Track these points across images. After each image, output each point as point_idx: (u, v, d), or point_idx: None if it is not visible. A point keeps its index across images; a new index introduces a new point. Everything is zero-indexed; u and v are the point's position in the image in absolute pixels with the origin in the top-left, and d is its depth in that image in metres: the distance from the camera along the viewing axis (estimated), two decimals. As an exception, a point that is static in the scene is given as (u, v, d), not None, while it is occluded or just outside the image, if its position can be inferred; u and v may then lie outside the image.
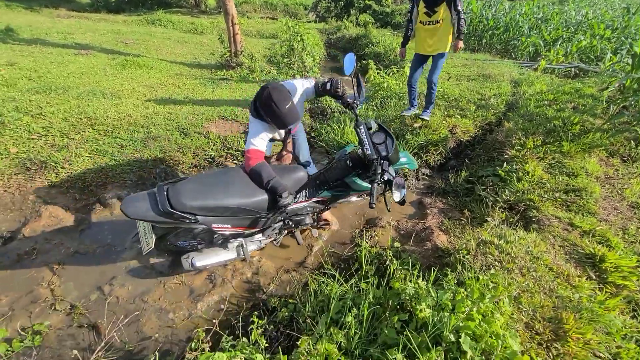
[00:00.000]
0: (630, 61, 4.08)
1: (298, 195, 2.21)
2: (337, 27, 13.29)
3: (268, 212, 2.04)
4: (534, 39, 8.55)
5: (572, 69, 7.24)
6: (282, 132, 2.32)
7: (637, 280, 1.85)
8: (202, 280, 2.21)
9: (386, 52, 8.85)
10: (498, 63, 7.80)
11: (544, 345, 1.45)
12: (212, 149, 3.59)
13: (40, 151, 3.06)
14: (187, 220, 1.77)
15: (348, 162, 2.16)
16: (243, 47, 6.77)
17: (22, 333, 1.78)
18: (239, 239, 2.16)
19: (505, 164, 3.11)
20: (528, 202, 2.58)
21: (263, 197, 1.96)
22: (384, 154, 1.97)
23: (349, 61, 2.09)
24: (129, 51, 7.19)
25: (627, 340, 1.53)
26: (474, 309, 1.38)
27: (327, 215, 2.77)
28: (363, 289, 1.90)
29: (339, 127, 4.13)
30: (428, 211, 2.90)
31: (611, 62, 6.29)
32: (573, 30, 8.77)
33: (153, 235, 1.91)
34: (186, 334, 1.87)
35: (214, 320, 1.76)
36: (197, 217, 1.79)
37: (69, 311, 1.94)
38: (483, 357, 1.25)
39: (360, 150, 2.03)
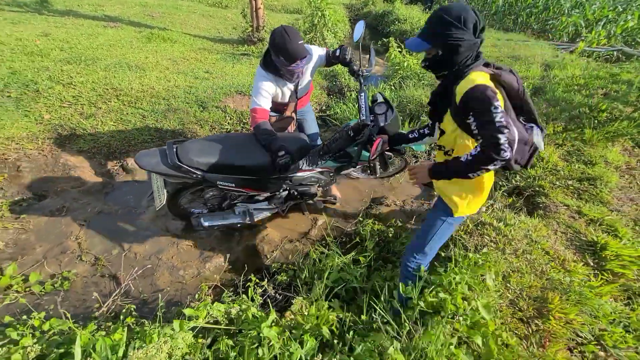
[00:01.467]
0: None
1: (301, 163, 2.25)
2: (364, 2, 12.84)
3: (270, 175, 2.12)
4: (575, 19, 7.98)
5: (614, 53, 6.75)
6: (285, 95, 2.31)
7: (638, 269, 1.83)
8: (211, 244, 2.38)
9: (412, 29, 8.53)
10: (532, 44, 7.37)
11: (525, 321, 1.50)
12: (228, 123, 3.71)
13: (71, 118, 3.29)
14: (194, 175, 1.91)
15: (350, 132, 2.19)
16: (265, 22, 6.74)
17: (54, 278, 2.02)
18: (245, 205, 2.29)
19: (519, 149, 3.03)
20: (537, 188, 2.54)
21: (264, 158, 2.04)
22: (381, 124, 1.99)
23: (359, 28, 2.14)
24: (155, 24, 7.33)
25: (615, 325, 1.55)
26: (458, 280, 1.45)
27: (335, 191, 2.85)
28: (360, 260, 2.00)
29: (354, 105, 4.14)
30: (435, 193, 2.91)
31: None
32: (621, 9, 8.08)
33: (165, 192, 2.05)
34: (194, 290, 2.05)
35: (216, 277, 1.91)
36: (203, 173, 1.92)
37: (93, 262, 2.17)
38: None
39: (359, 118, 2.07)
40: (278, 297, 1.91)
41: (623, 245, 1.97)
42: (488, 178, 1.41)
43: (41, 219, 2.42)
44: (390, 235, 2.28)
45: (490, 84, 1.21)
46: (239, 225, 2.32)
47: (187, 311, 1.27)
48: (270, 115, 2.29)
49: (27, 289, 1.93)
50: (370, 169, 2.59)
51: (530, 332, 1.44)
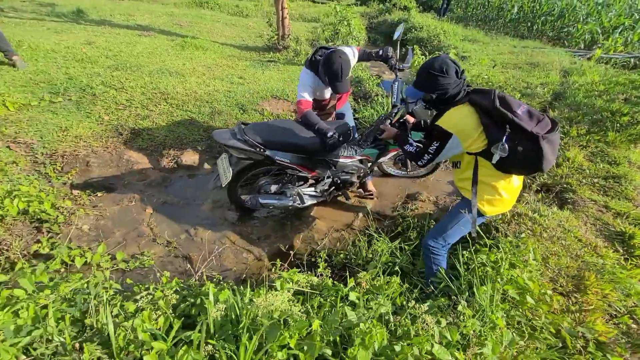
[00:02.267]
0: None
1: (344, 149, 2.56)
2: (379, 10, 13.15)
3: (319, 155, 2.44)
4: (591, 26, 8.14)
5: (632, 60, 6.89)
6: (327, 93, 2.66)
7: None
8: (267, 232, 2.63)
9: (429, 37, 8.74)
10: (548, 51, 7.55)
11: (565, 295, 1.70)
12: (267, 125, 3.99)
13: (127, 119, 3.60)
14: (258, 149, 2.23)
15: (383, 120, 2.47)
16: (290, 31, 7.06)
17: (133, 257, 2.29)
18: (295, 189, 2.58)
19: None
20: (565, 185, 2.74)
21: (315, 139, 2.37)
22: (410, 109, 2.21)
23: (399, 29, 2.56)
24: (184, 33, 7.72)
25: (645, 302, 1.73)
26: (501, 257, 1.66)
27: (372, 187, 3.09)
28: (405, 248, 2.23)
29: (382, 109, 4.38)
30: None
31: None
32: (638, 17, 8.21)
33: (231, 169, 2.34)
34: (257, 270, 2.30)
35: (277, 260, 2.16)
36: (265, 148, 2.24)
37: (166, 245, 2.43)
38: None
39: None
40: (334, 275, 2.15)
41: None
42: (506, 187, 1.66)
43: (114, 208, 2.71)
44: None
45: (458, 121, 1.60)
46: (290, 207, 2.60)
47: (285, 274, 1.51)
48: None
49: (114, 266, 2.20)
50: (402, 162, 2.91)
51: (570, 303, 1.64)
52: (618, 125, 3.42)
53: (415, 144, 1.87)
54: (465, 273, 1.63)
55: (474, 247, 1.88)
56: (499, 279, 1.53)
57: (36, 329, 1.09)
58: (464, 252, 1.80)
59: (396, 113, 2.26)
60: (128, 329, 1.12)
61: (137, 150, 3.32)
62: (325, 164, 2.52)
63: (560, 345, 1.43)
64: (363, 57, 2.67)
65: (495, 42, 8.63)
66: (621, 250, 2.09)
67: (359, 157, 2.64)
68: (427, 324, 1.18)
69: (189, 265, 2.26)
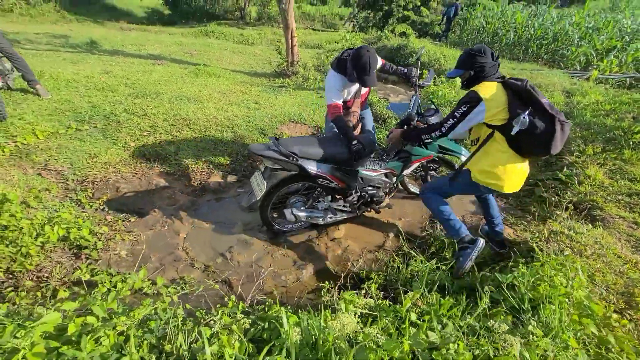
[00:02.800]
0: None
1: (369, 162, 2.72)
2: (377, 37, 13.64)
3: (347, 165, 2.56)
4: (585, 49, 8.49)
5: (627, 80, 7.16)
6: (350, 93, 2.87)
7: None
8: (301, 254, 2.65)
9: (430, 61, 9.05)
10: (547, 73, 7.83)
11: (618, 312, 1.71)
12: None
13: (153, 145, 3.67)
14: (292, 159, 2.35)
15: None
16: (299, 58, 7.32)
17: (173, 282, 2.28)
18: (327, 203, 2.71)
19: (565, 169, 3.32)
20: (591, 203, 2.80)
21: (343, 150, 2.52)
22: (428, 122, 2.59)
23: (420, 51, 2.95)
24: (195, 61, 7.98)
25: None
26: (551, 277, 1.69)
27: (387, 200, 3.14)
28: (442, 268, 2.24)
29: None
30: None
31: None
32: (628, 39, 8.60)
33: (265, 182, 2.42)
34: (298, 292, 2.29)
35: (314, 282, 2.16)
36: (297, 158, 2.38)
37: (204, 269, 2.43)
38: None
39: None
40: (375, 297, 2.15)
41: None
42: (508, 165, 1.94)
43: (148, 233, 2.72)
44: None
45: (488, 90, 1.87)
46: (321, 221, 2.72)
47: (347, 295, 1.52)
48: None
49: (155, 292, 2.19)
50: (423, 177, 3.19)
51: (627, 320, 1.65)
52: (632, 143, 3.54)
53: (423, 126, 2.27)
54: (526, 291, 1.65)
55: (520, 265, 1.91)
56: (566, 299, 1.55)
57: (122, 355, 1.09)
58: (522, 268, 1.83)
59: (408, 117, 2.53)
60: (212, 355, 1.12)
61: (165, 175, 3.37)
62: (353, 175, 2.64)
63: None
64: (387, 69, 2.89)
65: (494, 65, 8.96)
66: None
67: (384, 171, 2.79)
68: (509, 344, 1.19)
69: (227, 289, 2.26)
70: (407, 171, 2.93)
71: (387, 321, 1.45)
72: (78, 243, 2.38)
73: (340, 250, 2.71)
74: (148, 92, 5.00)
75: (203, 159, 3.62)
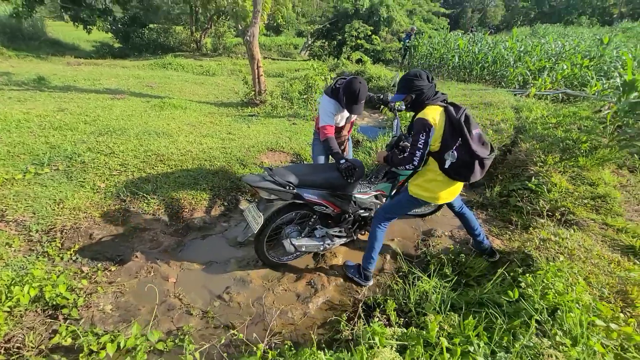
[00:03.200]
0: (620, 86, 4.78)
1: (360, 185, 2.75)
2: (335, 64, 14.23)
3: (340, 190, 2.58)
4: (521, 70, 9.49)
5: (560, 95, 8.06)
6: (343, 118, 2.98)
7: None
8: (303, 287, 2.55)
9: (388, 86, 9.59)
10: (493, 92, 8.59)
11: (619, 310, 1.83)
12: (269, 177, 4.01)
13: (127, 185, 3.42)
14: (288, 187, 2.31)
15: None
16: (265, 87, 7.39)
17: (170, 335, 2.07)
18: (323, 230, 2.68)
19: (533, 178, 3.60)
20: (564, 208, 3.04)
21: (336, 173, 2.53)
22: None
23: (395, 78, 2.98)
24: (156, 94, 7.74)
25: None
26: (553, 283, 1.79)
27: None
28: (445, 285, 2.28)
29: (368, 154, 4.65)
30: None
31: (596, 87, 7.13)
32: (554, 60, 9.77)
33: (261, 214, 2.35)
34: (308, 327, 2.18)
35: (322, 315, 2.09)
36: (294, 187, 2.35)
37: (203, 315, 2.24)
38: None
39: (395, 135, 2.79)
40: (388, 322, 2.11)
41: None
42: (440, 184, 2.19)
43: (133, 281, 2.47)
44: (464, 260, 2.60)
45: (435, 116, 2.02)
46: (321, 248, 2.65)
47: (377, 327, 1.46)
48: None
49: (151, 348, 1.97)
50: None
51: (627, 317, 1.77)
52: (583, 151, 3.95)
53: (402, 154, 2.33)
54: (538, 300, 1.71)
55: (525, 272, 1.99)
56: (575, 304, 1.63)
57: None
58: (528, 277, 1.91)
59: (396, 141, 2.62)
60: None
61: (144, 216, 3.13)
62: (347, 200, 2.65)
63: None
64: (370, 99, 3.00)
65: (446, 86, 9.70)
66: (638, 262, 2.33)
67: (374, 193, 2.83)
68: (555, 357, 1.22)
69: (231, 335, 2.09)
70: (394, 193, 3.01)
71: (419, 350, 1.42)
72: (54, 302, 2.09)
73: (341, 277, 2.65)
74: (112, 129, 4.72)
75: (183, 196, 3.43)
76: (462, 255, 2.66)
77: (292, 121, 6.11)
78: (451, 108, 2.05)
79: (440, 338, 1.48)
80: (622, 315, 1.71)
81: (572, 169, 3.69)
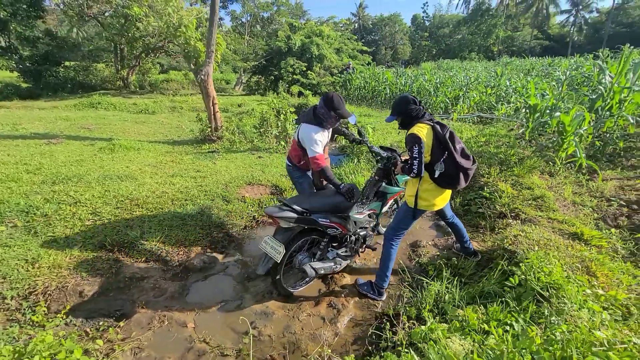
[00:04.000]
0: (522, 108, 5.97)
1: (356, 206, 2.94)
2: (276, 98, 14.68)
3: (345, 212, 2.80)
4: (441, 98, 11.03)
5: (475, 118, 9.56)
6: (325, 141, 2.99)
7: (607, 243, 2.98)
8: (325, 309, 2.64)
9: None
10: (424, 118, 9.79)
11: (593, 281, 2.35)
12: (255, 211, 4.05)
13: (108, 233, 3.16)
14: (305, 214, 2.49)
15: (375, 177, 3.10)
16: (222, 123, 7.40)
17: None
18: (333, 252, 2.86)
19: (485, 188, 4.28)
20: (516, 210, 3.69)
21: (336, 199, 2.75)
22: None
23: (353, 117, 3.23)
24: (98, 135, 7.19)
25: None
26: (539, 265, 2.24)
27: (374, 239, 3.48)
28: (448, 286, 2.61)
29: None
30: (449, 229, 3.82)
31: (502, 110, 8.68)
32: (465, 89, 11.57)
33: (281, 244, 2.42)
34: (342, 348, 2.28)
35: (351, 332, 2.24)
36: (310, 213, 2.53)
37: (237, 354, 2.18)
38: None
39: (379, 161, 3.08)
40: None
41: (590, 230, 3.15)
42: (433, 193, 2.52)
43: (148, 334, 2.29)
44: (456, 263, 2.98)
45: (423, 132, 2.35)
46: (335, 269, 2.82)
47: (432, 325, 1.66)
48: None
49: (197, 398, 1.87)
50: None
51: (590, 283, 2.27)
52: (514, 162, 4.83)
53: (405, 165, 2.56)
54: (537, 283, 2.13)
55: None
56: (566, 281, 2.07)
57: None
58: (522, 266, 2.33)
59: (387, 161, 2.99)
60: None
61: (136, 264, 2.92)
62: (349, 220, 2.88)
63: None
64: (337, 130, 3.26)
65: (383, 115, 10.76)
66: (583, 244, 2.97)
67: (368, 212, 3.10)
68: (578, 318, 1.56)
69: (278, 366, 2.09)
70: (385, 209, 3.34)
71: (474, 336, 1.67)
72: (72, 371, 1.87)
73: (356, 295, 2.81)
74: (66, 176, 4.30)
75: (174, 238, 3.29)
76: (454, 258, 3.05)
77: (257, 155, 6.21)
78: (438, 127, 2.41)
79: (481, 324, 1.76)
80: (595, 283, 2.21)
81: (511, 178, 4.48)
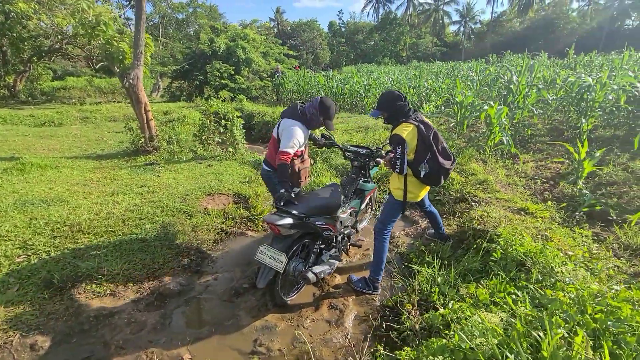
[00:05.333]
0: (454, 105, 6.71)
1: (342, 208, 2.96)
2: (209, 104, 13.87)
3: (335, 212, 2.79)
4: (372, 99, 11.73)
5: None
6: (305, 141, 2.89)
7: (547, 214, 3.52)
8: (328, 312, 2.57)
9: (273, 120, 10.10)
10: (360, 117, 10.29)
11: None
12: (219, 223, 3.76)
13: (51, 269, 2.60)
14: (304, 219, 2.44)
15: (352, 175, 3.24)
16: (157, 132, 6.71)
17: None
18: (327, 254, 2.83)
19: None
20: (469, 194, 4.12)
21: (324, 200, 2.70)
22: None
23: (326, 133, 3.39)
24: (-5, 155, 5.89)
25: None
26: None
27: (357, 237, 3.55)
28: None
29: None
30: (416, 218, 4.08)
31: (428, 108, 9.60)
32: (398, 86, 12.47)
33: (282, 252, 2.30)
34: (358, 345, 2.25)
35: (365, 329, 2.26)
36: (309, 217, 2.48)
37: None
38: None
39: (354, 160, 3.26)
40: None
41: (530, 204, 3.69)
42: (417, 187, 2.65)
43: (139, 377, 1.95)
44: (434, 247, 3.20)
45: (408, 131, 2.43)
46: (332, 271, 2.77)
47: (454, 306, 1.74)
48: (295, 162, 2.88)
49: None
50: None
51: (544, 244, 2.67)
52: (456, 153, 5.39)
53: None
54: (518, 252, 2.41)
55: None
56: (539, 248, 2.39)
57: None
58: (502, 241, 2.60)
59: (367, 157, 3.18)
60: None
61: (99, 300, 2.46)
62: (337, 220, 2.87)
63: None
64: (314, 138, 3.25)
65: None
66: (533, 217, 3.46)
67: (349, 210, 3.14)
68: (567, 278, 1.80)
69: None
70: (363, 206, 3.42)
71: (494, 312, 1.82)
72: None
73: (353, 293, 2.80)
74: (-33, 206, 3.42)
75: (138, 263, 2.86)
76: (432, 244, 3.26)
77: (205, 163, 5.77)
78: (422, 127, 2.48)
79: (490, 296, 1.92)
80: (560, 247, 2.60)
81: (457, 167, 4.99)
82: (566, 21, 37.31)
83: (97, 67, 17.28)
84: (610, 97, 5.91)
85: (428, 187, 2.87)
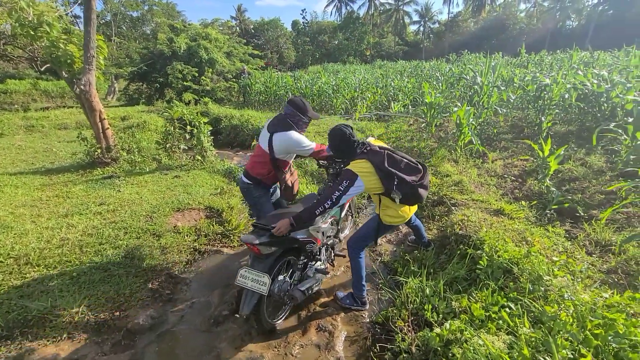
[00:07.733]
0: (424, 106, 6.81)
1: (320, 218, 2.79)
2: (168, 107, 13.21)
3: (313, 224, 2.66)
4: (341, 99, 11.71)
5: (373, 116, 10.47)
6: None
7: (522, 214, 3.61)
8: (316, 335, 2.43)
9: (242, 123, 9.73)
10: (330, 118, 10.22)
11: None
12: (191, 241, 3.49)
13: (11, 306, 2.24)
14: (284, 235, 2.27)
15: (330, 183, 3.10)
16: (115, 141, 6.19)
17: None
18: (312, 268, 2.68)
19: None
20: (446, 196, 4.15)
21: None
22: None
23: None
24: None
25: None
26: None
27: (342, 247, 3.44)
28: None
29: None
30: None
31: (396, 108, 9.73)
32: (359, 91, 12.55)
33: (264, 274, 2.14)
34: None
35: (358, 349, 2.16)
36: (288, 233, 2.29)
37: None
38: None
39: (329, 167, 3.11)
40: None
41: (506, 205, 3.77)
42: (399, 211, 2.49)
43: None
44: (418, 255, 3.16)
45: (360, 169, 2.26)
46: (318, 285, 2.65)
47: (454, 324, 1.66)
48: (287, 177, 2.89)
49: None
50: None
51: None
52: (428, 154, 5.44)
53: (314, 202, 2.31)
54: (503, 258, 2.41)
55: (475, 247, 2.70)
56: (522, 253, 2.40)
57: None
58: (485, 247, 2.59)
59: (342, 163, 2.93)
60: None
61: (56, 346, 2.14)
62: (318, 232, 2.75)
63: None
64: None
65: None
66: (509, 219, 3.53)
67: (330, 219, 3.04)
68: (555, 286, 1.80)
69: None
70: (343, 213, 3.31)
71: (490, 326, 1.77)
72: None
73: (341, 310, 2.68)
74: None
75: (102, 296, 2.54)
76: (415, 251, 3.22)
77: (171, 174, 5.39)
78: (374, 158, 2.27)
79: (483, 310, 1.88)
80: (540, 250, 2.64)
81: (430, 168, 5.03)
82: (515, 22, 39.84)
83: (42, 69, 15.85)
84: (566, 96, 6.27)
85: (415, 206, 2.72)
